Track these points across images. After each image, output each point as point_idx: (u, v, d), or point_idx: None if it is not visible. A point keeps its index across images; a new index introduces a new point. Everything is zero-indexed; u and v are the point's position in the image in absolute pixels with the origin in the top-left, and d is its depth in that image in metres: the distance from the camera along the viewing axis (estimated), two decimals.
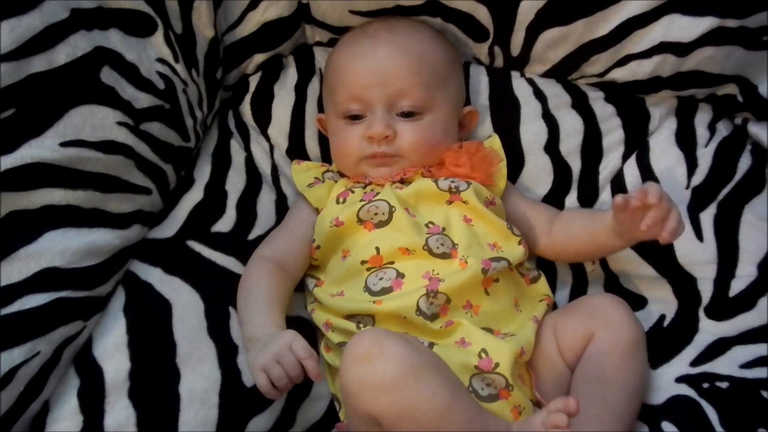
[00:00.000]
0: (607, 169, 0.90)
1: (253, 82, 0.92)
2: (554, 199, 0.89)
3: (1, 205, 0.58)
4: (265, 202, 0.86)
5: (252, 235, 0.82)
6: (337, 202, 0.80)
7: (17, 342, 0.57)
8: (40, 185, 0.61)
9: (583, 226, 0.81)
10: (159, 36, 0.75)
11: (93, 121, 0.65)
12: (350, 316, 0.73)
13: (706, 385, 0.72)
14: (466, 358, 0.67)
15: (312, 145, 0.92)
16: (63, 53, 0.63)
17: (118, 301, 0.69)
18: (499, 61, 0.92)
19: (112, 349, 0.66)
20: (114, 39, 0.69)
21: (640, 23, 0.80)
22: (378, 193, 0.79)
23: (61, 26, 0.63)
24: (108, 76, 0.68)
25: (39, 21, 0.60)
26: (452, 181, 0.79)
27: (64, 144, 0.63)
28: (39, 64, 0.61)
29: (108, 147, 0.67)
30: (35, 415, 0.61)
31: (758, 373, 0.71)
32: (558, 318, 0.75)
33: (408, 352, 0.59)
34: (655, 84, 0.86)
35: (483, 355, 0.67)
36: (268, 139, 0.91)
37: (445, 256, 0.74)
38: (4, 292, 0.57)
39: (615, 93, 0.90)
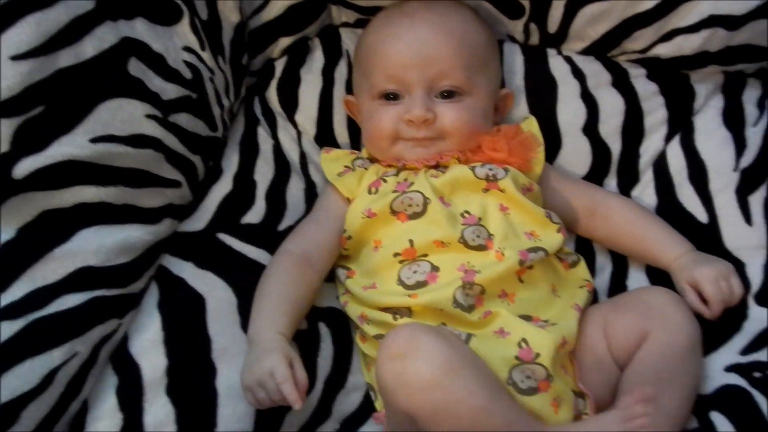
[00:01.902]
0: (648, 151, 0.86)
1: (279, 66, 0.90)
2: (593, 183, 0.86)
3: (34, 205, 0.58)
4: (294, 191, 0.84)
5: (282, 226, 0.81)
6: (369, 192, 0.78)
7: (56, 344, 0.57)
8: (71, 183, 0.60)
9: (632, 249, 0.82)
10: (185, 24, 0.73)
11: (122, 115, 0.64)
12: (386, 309, 0.72)
13: (757, 375, 0.70)
14: (505, 349, 0.65)
15: (341, 131, 0.90)
16: (90, 46, 0.62)
17: (152, 297, 0.69)
18: (534, 39, 0.89)
19: (149, 345, 0.66)
20: (140, 29, 0.67)
21: None
22: (412, 183, 0.77)
23: (87, 18, 0.61)
24: (135, 67, 0.66)
25: (65, 13, 0.59)
26: (490, 169, 0.76)
27: (94, 140, 0.61)
28: (66, 58, 0.60)
29: (138, 141, 0.66)
30: (75, 415, 0.61)
31: None
32: (609, 314, 0.72)
33: (445, 349, 0.58)
34: (701, 59, 0.82)
35: (523, 344, 0.65)
36: (295, 125, 0.89)
37: (480, 248, 0.72)
38: (41, 293, 0.57)
39: (658, 70, 0.86)
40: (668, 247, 0.78)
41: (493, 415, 0.58)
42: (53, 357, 0.56)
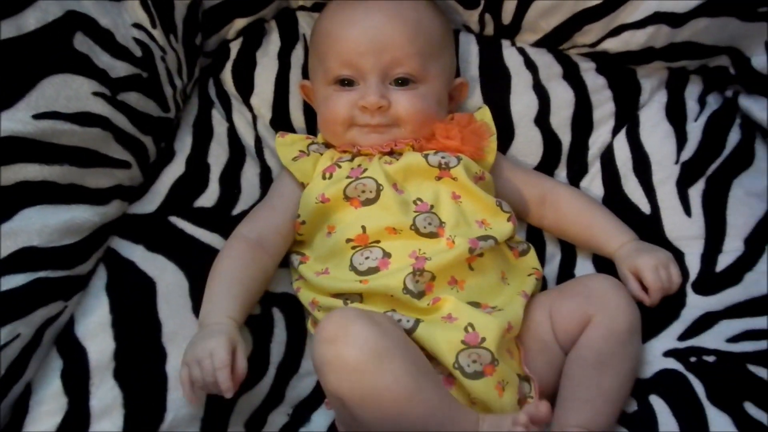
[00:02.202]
0: (597, 143, 0.89)
1: (234, 48, 0.89)
2: (543, 173, 0.88)
3: None
4: (249, 175, 0.83)
5: (236, 211, 0.80)
6: (324, 177, 0.78)
7: None
8: (13, 160, 0.58)
9: (580, 237, 0.84)
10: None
11: (67, 91, 0.62)
12: (337, 295, 0.73)
13: (693, 359, 0.73)
14: (452, 334, 0.66)
15: (297, 115, 0.89)
16: (33, 18, 0.59)
17: (100, 279, 0.67)
18: (489, 29, 0.90)
19: (96, 329, 0.64)
20: (87, 3, 0.65)
21: None
22: (366, 169, 0.77)
23: None
24: (81, 42, 0.64)
25: None
26: (442, 157, 0.77)
27: (37, 116, 0.59)
28: (7, 29, 0.57)
29: (84, 119, 0.64)
30: (17, 398, 0.59)
31: (744, 347, 0.72)
32: (554, 300, 0.74)
33: (373, 335, 0.59)
34: (647, 55, 0.85)
35: (470, 329, 0.66)
36: (250, 109, 0.88)
37: (432, 235, 0.73)
38: None
39: (606, 64, 0.88)
40: (612, 236, 0.81)
41: (419, 401, 0.59)
42: None
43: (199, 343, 0.64)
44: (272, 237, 0.77)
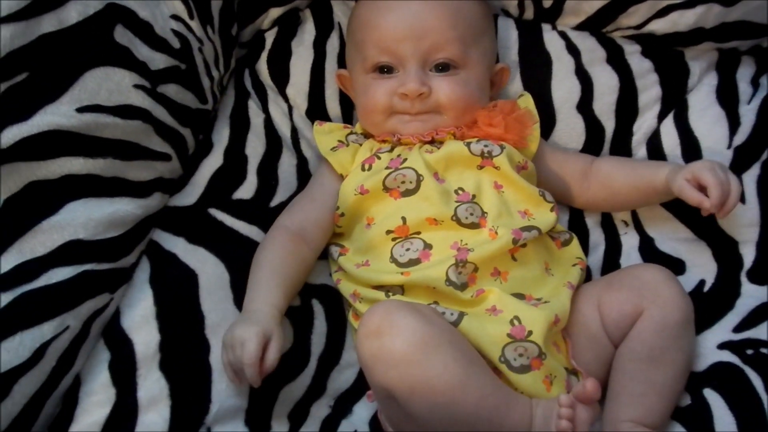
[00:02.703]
0: (642, 129, 0.86)
1: (270, 38, 0.88)
2: None
3: (20, 175, 0.56)
4: (286, 166, 0.83)
5: (274, 202, 0.80)
6: (363, 168, 0.77)
7: (46, 317, 0.56)
8: (58, 154, 0.58)
9: (628, 185, 0.79)
10: None
11: (109, 84, 0.62)
12: (378, 287, 0.72)
13: (750, 352, 0.71)
14: (498, 327, 0.65)
15: (333, 105, 0.88)
16: (74, 11, 0.60)
17: (144, 272, 0.68)
18: (529, 13, 0.87)
19: (141, 321, 0.64)
20: None
21: None
22: (405, 159, 0.75)
23: None
24: (122, 35, 0.64)
25: None
26: (485, 145, 0.76)
27: (80, 110, 0.59)
28: (50, 23, 0.58)
29: (125, 112, 0.64)
30: (67, 390, 0.60)
31: None
32: (603, 291, 0.72)
33: (419, 326, 0.58)
34: (696, 36, 0.82)
35: (516, 322, 0.65)
36: (286, 99, 0.87)
37: (473, 226, 0.72)
38: (29, 266, 0.56)
39: (652, 46, 0.85)
40: (661, 165, 0.78)
41: (469, 389, 0.58)
42: (44, 331, 0.55)
43: (236, 327, 0.64)
44: (312, 229, 0.76)
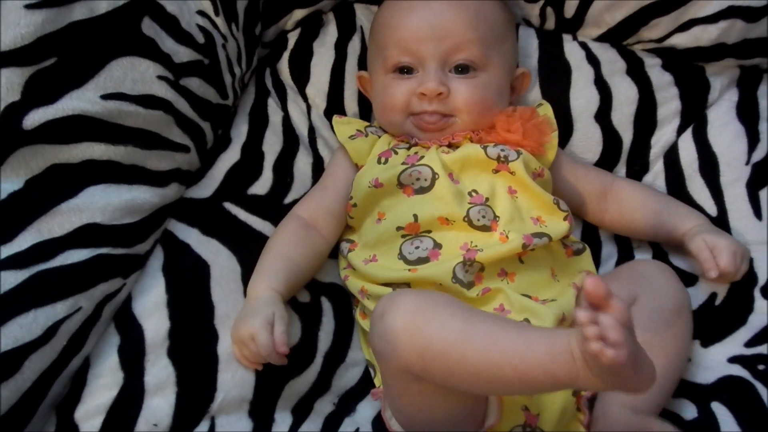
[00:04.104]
0: (660, 142, 0.86)
1: (292, 39, 0.89)
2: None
3: (43, 157, 0.57)
4: (302, 164, 0.84)
5: (288, 199, 0.80)
6: (379, 161, 0.78)
7: (60, 297, 0.56)
8: (81, 139, 0.59)
9: (647, 225, 0.80)
10: None
11: (134, 74, 0.63)
12: (385, 284, 0.72)
13: (761, 367, 0.70)
14: None
15: (351, 105, 0.89)
16: (104, 1, 0.61)
17: (157, 260, 0.68)
18: (550, 24, 0.88)
19: (152, 307, 0.65)
20: None
21: None
22: (422, 157, 0.76)
23: None
24: (149, 27, 0.65)
25: None
26: (502, 149, 0.76)
27: (105, 96, 0.61)
28: (80, 11, 0.59)
29: (148, 101, 0.65)
30: (76, 371, 0.61)
31: None
32: None
33: (416, 298, 0.57)
34: (718, 51, 0.81)
35: (526, 322, 0.64)
36: (305, 98, 0.88)
37: (485, 228, 0.72)
38: (46, 246, 0.57)
39: (673, 60, 0.85)
40: (686, 216, 0.79)
41: (473, 337, 0.54)
42: (56, 310, 0.56)
43: (241, 324, 0.65)
44: (324, 216, 0.77)
